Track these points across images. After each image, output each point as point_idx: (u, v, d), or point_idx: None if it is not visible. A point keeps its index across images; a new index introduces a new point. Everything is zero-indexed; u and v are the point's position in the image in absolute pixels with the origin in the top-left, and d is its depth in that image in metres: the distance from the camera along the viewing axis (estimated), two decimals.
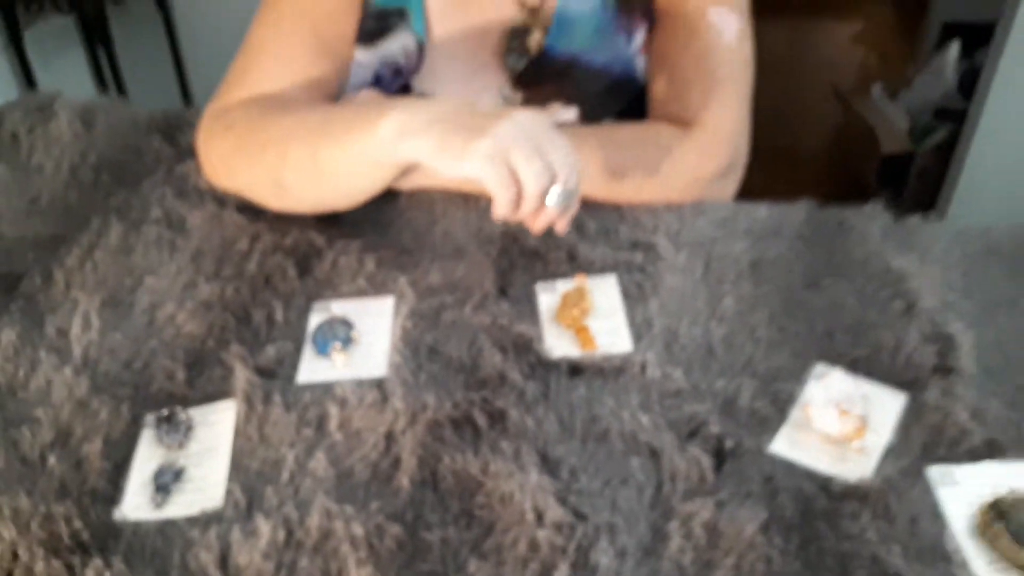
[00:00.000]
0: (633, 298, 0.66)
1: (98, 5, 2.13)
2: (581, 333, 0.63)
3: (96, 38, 2.29)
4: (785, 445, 0.56)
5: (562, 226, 0.64)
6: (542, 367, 0.61)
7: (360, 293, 0.67)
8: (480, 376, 0.60)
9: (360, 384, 0.60)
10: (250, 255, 0.71)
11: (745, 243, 0.71)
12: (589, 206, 0.73)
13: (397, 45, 0.80)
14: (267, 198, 0.74)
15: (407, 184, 0.76)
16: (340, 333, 0.63)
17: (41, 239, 0.73)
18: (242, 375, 0.60)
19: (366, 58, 0.81)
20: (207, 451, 0.56)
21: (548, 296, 0.67)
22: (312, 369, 0.62)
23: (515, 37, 0.80)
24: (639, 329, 0.64)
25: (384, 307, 0.66)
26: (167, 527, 0.51)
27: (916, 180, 2.50)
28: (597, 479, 0.53)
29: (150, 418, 0.58)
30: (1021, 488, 0.52)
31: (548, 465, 0.54)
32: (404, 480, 0.53)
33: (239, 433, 0.57)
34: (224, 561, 0.49)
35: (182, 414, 0.58)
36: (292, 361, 0.62)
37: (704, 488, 0.53)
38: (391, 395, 0.58)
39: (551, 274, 0.69)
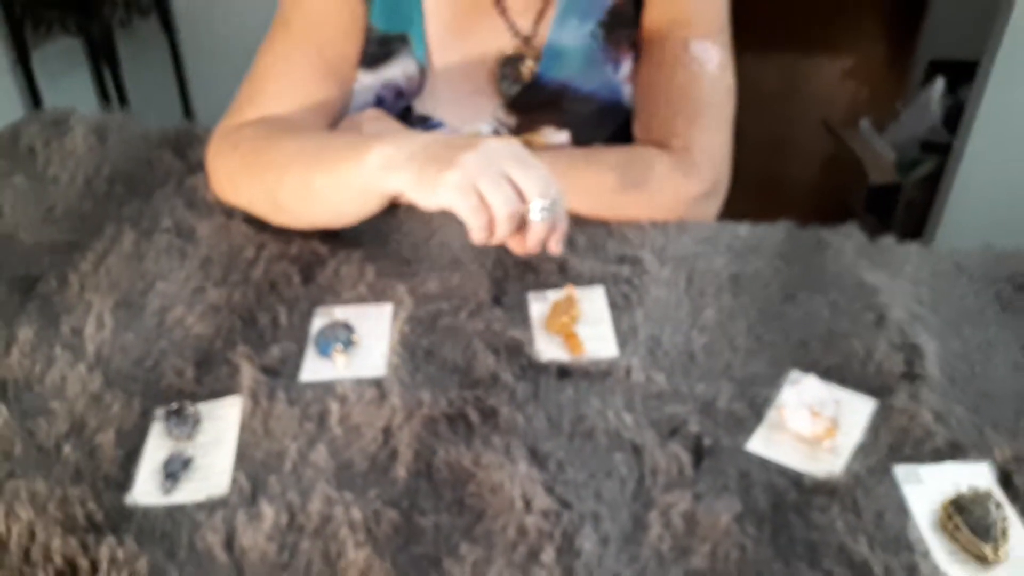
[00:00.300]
0: (620, 308, 0.70)
1: (106, 27, 2.18)
2: (570, 339, 0.66)
3: (102, 59, 2.34)
4: (760, 444, 0.59)
5: (555, 245, 0.67)
6: (532, 369, 0.64)
7: (361, 299, 0.71)
8: (474, 376, 0.63)
9: (360, 383, 0.63)
10: (256, 262, 0.75)
11: (726, 259, 0.75)
12: (579, 222, 0.77)
13: (399, 69, 0.84)
14: (266, 215, 0.78)
15: (405, 200, 0.80)
16: (341, 336, 0.67)
17: (57, 245, 0.77)
18: (248, 373, 0.63)
19: (369, 81, 0.85)
20: (214, 442, 0.59)
21: (539, 305, 0.70)
22: (314, 369, 0.65)
23: (509, 64, 0.85)
24: (625, 336, 0.67)
25: (383, 313, 0.70)
26: (175, 511, 0.54)
27: (903, 210, 2.55)
28: (582, 472, 0.57)
29: (160, 411, 0.61)
30: (980, 486, 0.55)
31: (537, 458, 0.57)
32: (401, 470, 0.57)
33: (245, 426, 0.60)
34: (230, 543, 0.52)
35: (191, 408, 0.61)
36: (295, 361, 0.65)
37: (683, 481, 0.56)
38: (389, 393, 0.62)
39: (542, 284, 0.72)
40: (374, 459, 0.58)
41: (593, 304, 0.70)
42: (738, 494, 0.55)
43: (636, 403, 0.62)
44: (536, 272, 0.73)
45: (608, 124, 0.86)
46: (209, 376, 0.64)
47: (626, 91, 0.86)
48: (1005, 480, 0.56)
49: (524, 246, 0.67)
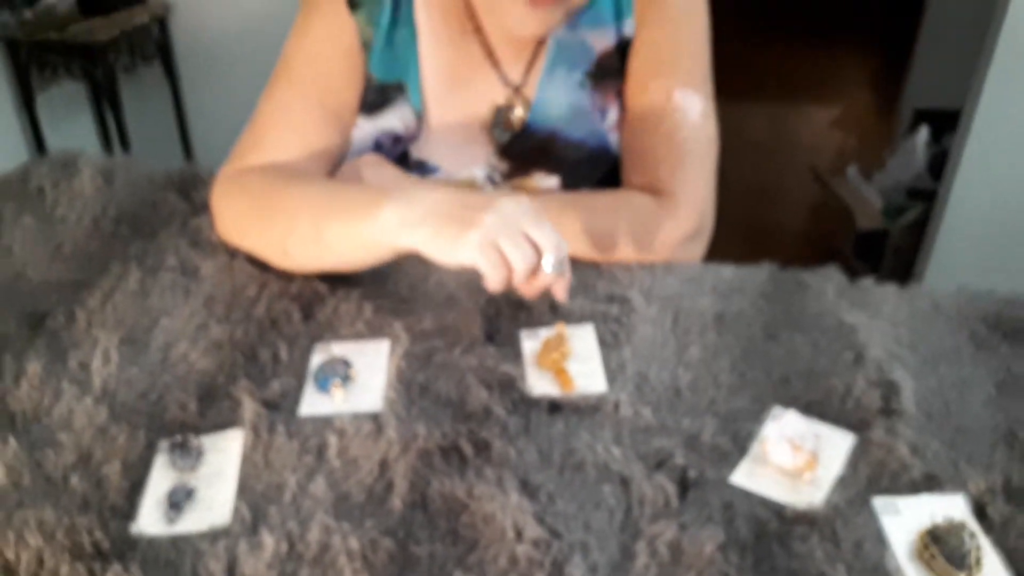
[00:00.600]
0: (608, 345, 0.73)
1: (110, 72, 2.23)
2: (561, 375, 0.69)
3: (105, 103, 2.39)
4: (744, 477, 0.61)
5: (561, 293, 0.71)
6: (524, 404, 0.67)
7: (359, 336, 0.73)
8: (467, 411, 0.66)
9: (357, 417, 0.65)
10: (258, 300, 0.77)
11: (711, 299, 0.78)
12: (570, 263, 0.79)
13: (396, 116, 0.88)
14: (273, 260, 0.80)
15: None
16: (339, 371, 0.69)
17: (65, 283, 0.79)
18: (249, 407, 0.65)
19: (368, 127, 0.89)
20: (216, 474, 0.61)
21: (531, 342, 0.73)
22: (313, 403, 0.67)
23: (500, 113, 0.88)
24: (613, 372, 0.70)
25: (380, 349, 0.72)
26: (179, 540, 0.56)
27: (891, 255, 2.59)
28: (572, 503, 0.59)
29: (164, 444, 0.63)
30: (955, 517, 0.57)
31: (528, 490, 0.59)
32: (396, 501, 0.59)
33: (246, 459, 0.62)
34: (232, 571, 0.54)
35: (194, 440, 0.63)
36: (295, 395, 0.68)
37: (669, 512, 0.58)
38: (385, 426, 0.64)
39: (534, 322, 0.75)
40: (371, 490, 0.60)
41: (583, 341, 0.73)
42: (722, 524, 0.57)
43: (624, 437, 0.64)
44: (528, 310, 0.76)
45: (596, 170, 0.90)
46: (212, 410, 0.66)
47: (613, 138, 0.89)
48: (979, 511, 0.58)
49: (532, 291, 0.70)
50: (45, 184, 0.94)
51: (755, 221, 2.98)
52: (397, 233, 0.69)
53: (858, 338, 0.72)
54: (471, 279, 0.79)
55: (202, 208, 0.89)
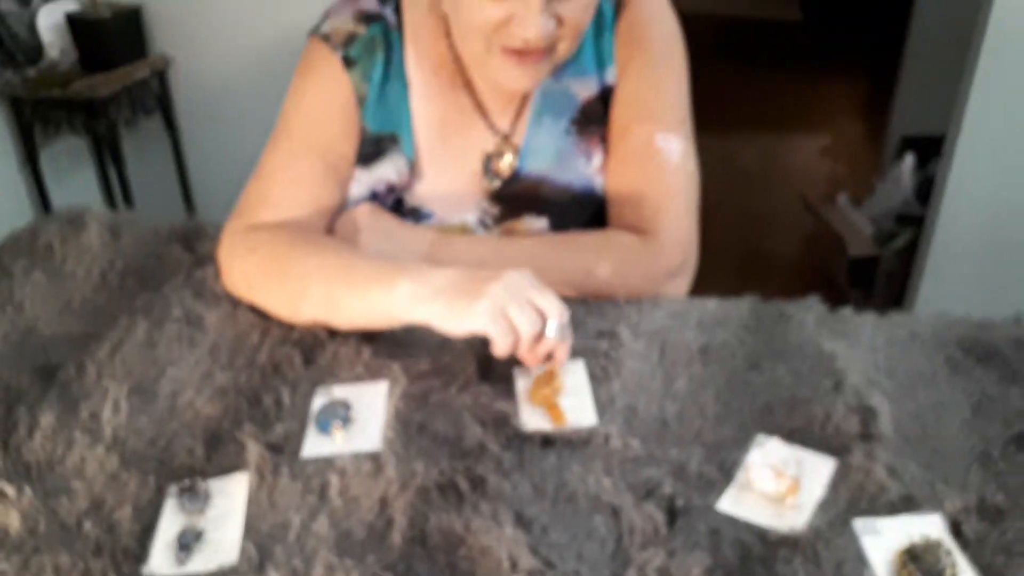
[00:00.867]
0: (598, 379, 0.75)
1: (112, 127, 2.28)
2: (552, 410, 0.71)
3: (107, 156, 2.44)
4: (729, 503, 0.64)
5: (562, 356, 0.74)
6: (518, 439, 0.69)
7: (358, 379, 0.76)
8: (463, 447, 0.68)
9: (357, 457, 0.68)
10: (261, 347, 0.80)
11: (695, 332, 0.81)
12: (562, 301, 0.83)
13: (390, 166, 0.92)
14: (281, 316, 0.83)
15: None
16: (340, 413, 0.72)
17: (75, 336, 0.83)
18: (254, 450, 0.68)
19: (364, 177, 0.92)
20: (224, 516, 0.63)
21: (524, 380, 0.76)
22: (315, 445, 0.70)
23: (490, 160, 0.93)
24: (603, 406, 0.72)
25: (379, 390, 0.75)
26: None
27: (883, 281, 2.62)
28: (565, 534, 0.61)
29: (173, 488, 0.65)
30: (932, 535, 0.60)
31: (522, 522, 0.62)
32: (396, 537, 0.61)
33: (252, 500, 0.65)
34: None
35: (201, 484, 0.65)
36: (298, 438, 0.70)
37: (657, 539, 0.60)
38: (385, 465, 0.67)
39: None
40: (372, 527, 0.62)
41: (574, 377, 0.76)
42: (708, 550, 0.59)
43: (614, 468, 0.67)
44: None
45: (583, 211, 0.94)
46: (218, 454, 0.69)
47: (598, 181, 0.93)
48: (955, 529, 0.61)
49: (535, 359, 0.74)
50: (54, 240, 0.97)
51: (749, 250, 3.02)
52: (410, 308, 0.74)
53: (837, 366, 0.75)
54: None
55: (205, 260, 0.92)
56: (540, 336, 0.72)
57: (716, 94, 4.47)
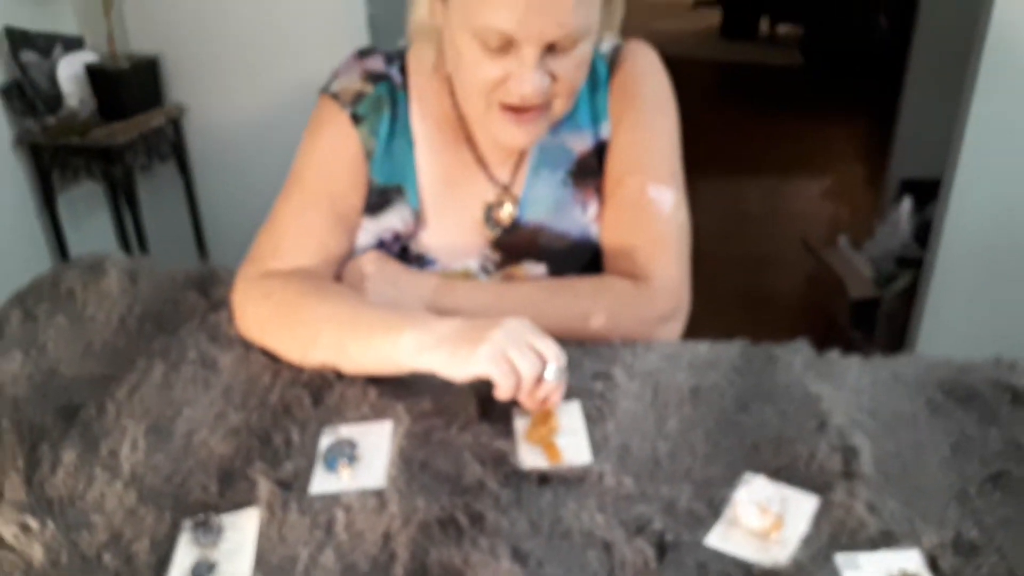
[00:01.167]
0: (594, 419, 0.79)
1: (127, 172, 2.35)
2: (549, 448, 0.75)
3: (123, 201, 2.50)
4: (717, 539, 0.67)
5: (557, 399, 0.78)
6: (515, 477, 0.73)
7: (364, 418, 0.80)
8: (463, 485, 0.72)
9: (363, 494, 0.71)
10: (272, 388, 0.84)
11: (687, 373, 0.84)
12: (558, 344, 0.87)
13: (396, 216, 0.97)
14: (292, 360, 0.87)
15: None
16: (346, 452, 0.76)
17: (95, 377, 0.87)
18: (265, 487, 0.72)
19: (371, 226, 0.97)
20: (235, 549, 0.67)
21: (522, 420, 0.79)
22: (323, 482, 0.73)
23: (491, 209, 0.97)
24: (598, 445, 0.76)
25: (384, 430, 0.79)
26: None
27: (885, 322, 2.65)
28: (560, 568, 0.64)
29: (188, 522, 0.69)
30: (910, 569, 0.63)
31: (519, 557, 0.65)
32: (399, 570, 0.64)
33: (262, 534, 0.68)
34: None
35: (215, 519, 0.69)
36: (306, 475, 0.74)
37: (648, 573, 0.63)
38: (388, 501, 0.70)
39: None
40: (375, 560, 0.65)
41: (570, 417, 0.79)
42: None
43: (607, 505, 0.70)
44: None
45: (580, 258, 0.98)
46: (230, 490, 0.73)
47: (594, 229, 0.98)
48: (933, 564, 0.64)
49: (534, 403, 0.77)
50: (75, 286, 1.02)
51: (752, 291, 3.06)
52: (415, 356, 0.78)
53: (822, 407, 0.79)
54: None
55: (220, 305, 0.97)
56: (540, 379, 0.76)
57: (720, 137, 4.56)
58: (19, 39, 2.24)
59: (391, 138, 0.95)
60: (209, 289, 1.01)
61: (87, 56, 2.38)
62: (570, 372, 0.84)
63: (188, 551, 0.67)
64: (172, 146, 2.50)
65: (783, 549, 0.65)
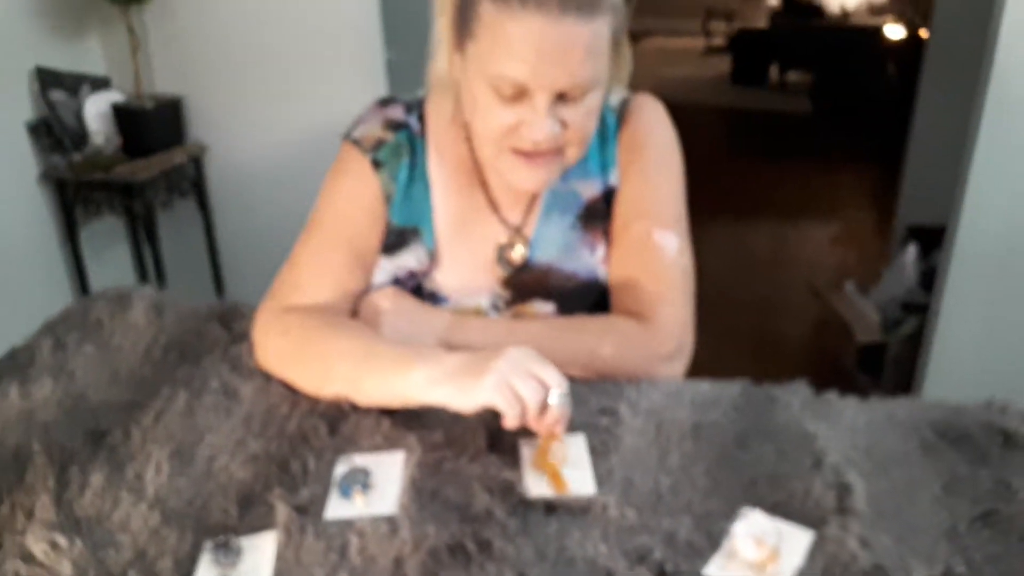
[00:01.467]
0: (599, 453, 0.82)
1: (149, 209, 2.41)
2: (555, 478, 0.78)
3: (143, 236, 2.57)
4: (715, 570, 0.70)
5: (559, 429, 0.81)
6: (522, 506, 0.76)
7: (377, 448, 0.84)
8: (472, 513, 0.75)
9: (375, 520, 0.74)
10: (290, 417, 0.88)
11: (689, 411, 0.88)
12: (566, 380, 0.90)
13: (412, 255, 1.01)
14: (308, 392, 0.91)
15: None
16: (360, 479, 0.79)
17: (122, 404, 0.91)
18: (282, 511, 0.75)
19: (387, 264, 1.02)
20: (253, 570, 0.70)
21: (530, 450, 0.82)
22: (337, 508, 0.77)
23: (503, 250, 1.02)
24: (603, 477, 0.79)
25: (396, 459, 0.82)
26: None
27: (891, 367, 2.67)
28: None
29: (208, 544, 0.72)
30: None
31: None
32: None
33: (279, 557, 0.71)
34: None
35: (234, 541, 0.72)
36: (321, 501, 0.77)
37: None
38: (400, 528, 0.73)
39: (532, 432, 0.85)
40: None
41: (576, 449, 0.83)
42: None
43: (610, 535, 0.73)
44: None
45: (587, 298, 1.02)
46: (249, 514, 0.76)
47: (601, 271, 1.02)
48: None
49: (543, 427, 0.80)
50: (103, 316, 1.06)
51: (761, 335, 3.08)
52: (425, 391, 0.82)
53: (818, 445, 0.82)
54: None
55: (241, 337, 1.01)
56: (545, 406, 0.79)
57: (729, 182, 4.62)
58: (49, 78, 2.32)
59: (410, 183, 1.00)
60: (231, 322, 1.05)
61: (113, 95, 2.46)
62: (577, 407, 0.88)
63: (208, 571, 0.70)
64: (192, 183, 2.57)
65: None
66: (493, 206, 1.02)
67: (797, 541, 0.72)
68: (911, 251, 2.64)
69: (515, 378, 0.78)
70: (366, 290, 1.01)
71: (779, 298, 3.38)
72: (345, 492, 0.78)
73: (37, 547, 0.71)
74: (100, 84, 2.47)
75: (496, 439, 0.84)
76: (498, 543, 0.71)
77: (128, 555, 0.71)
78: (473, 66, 0.89)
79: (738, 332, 2.99)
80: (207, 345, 1.02)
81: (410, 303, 0.99)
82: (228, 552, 0.71)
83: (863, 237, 3.93)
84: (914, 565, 0.69)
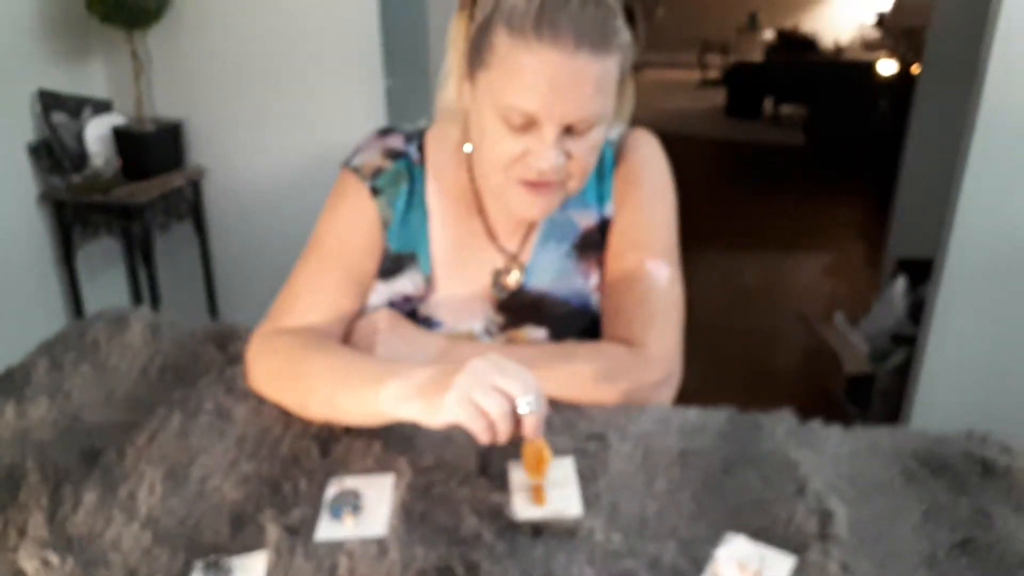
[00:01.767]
0: (587, 477, 0.83)
1: (146, 231, 2.43)
2: (536, 491, 0.79)
3: (139, 258, 2.58)
4: None
5: (532, 428, 0.79)
6: (510, 529, 0.77)
7: (368, 470, 0.85)
8: (460, 535, 0.76)
9: (365, 541, 0.75)
10: (283, 439, 0.89)
11: (676, 437, 0.89)
12: (555, 406, 0.92)
13: (408, 280, 1.03)
14: (294, 413, 0.93)
15: None
16: (350, 501, 0.80)
17: (116, 424, 0.92)
18: (273, 532, 0.76)
19: (383, 289, 1.04)
20: None
21: (519, 473, 0.84)
22: (328, 529, 0.78)
23: (499, 275, 1.04)
24: (590, 501, 0.80)
25: (386, 482, 0.83)
26: None
27: (880, 398, 2.68)
28: None
29: (199, 563, 0.73)
30: None
31: None
32: None
33: None
34: None
35: (225, 561, 0.73)
36: (312, 522, 0.78)
37: None
38: (389, 549, 0.74)
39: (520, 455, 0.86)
40: None
41: (564, 472, 0.84)
42: None
43: (596, 559, 0.74)
44: (516, 445, 0.87)
45: (579, 324, 1.04)
46: (241, 534, 0.77)
47: (594, 298, 1.04)
48: None
49: (527, 431, 0.80)
50: (100, 337, 1.08)
51: (751, 364, 3.10)
52: (396, 407, 0.82)
53: (801, 472, 0.83)
54: None
55: (236, 359, 1.02)
56: (516, 415, 0.78)
57: (722, 213, 4.67)
58: (51, 101, 2.35)
59: (407, 210, 1.02)
60: (226, 344, 1.07)
61: (114, 119, 2.49)
62: (566, 433, 0.90)
63: None
64: (190, 206, 2.59)
65: None
66: (491, 234, 1.04)
67: (779, 566, 0.73)
68: (900, 283, 2.67)
69: (477, 393, 0.77)
70: (360, 312, 1.03)
71: (770, 328, 3.41)
72: (335, 514, 0.79)
73: (29, 564, 0.72)
74: (102, 107, 2.50)
75: (486, 461, 0.85)
76: (486, 565, 0.72)
77: (119, 574, 0.72)
78: (484, 95, 0.91)
79: (729, 361, 3.01)
80: (202, 366, 1.03)
81: (407, 325, 1.01)
82: (219, 572, 0.72)
83: (854, 269, 3.97)
84: None
